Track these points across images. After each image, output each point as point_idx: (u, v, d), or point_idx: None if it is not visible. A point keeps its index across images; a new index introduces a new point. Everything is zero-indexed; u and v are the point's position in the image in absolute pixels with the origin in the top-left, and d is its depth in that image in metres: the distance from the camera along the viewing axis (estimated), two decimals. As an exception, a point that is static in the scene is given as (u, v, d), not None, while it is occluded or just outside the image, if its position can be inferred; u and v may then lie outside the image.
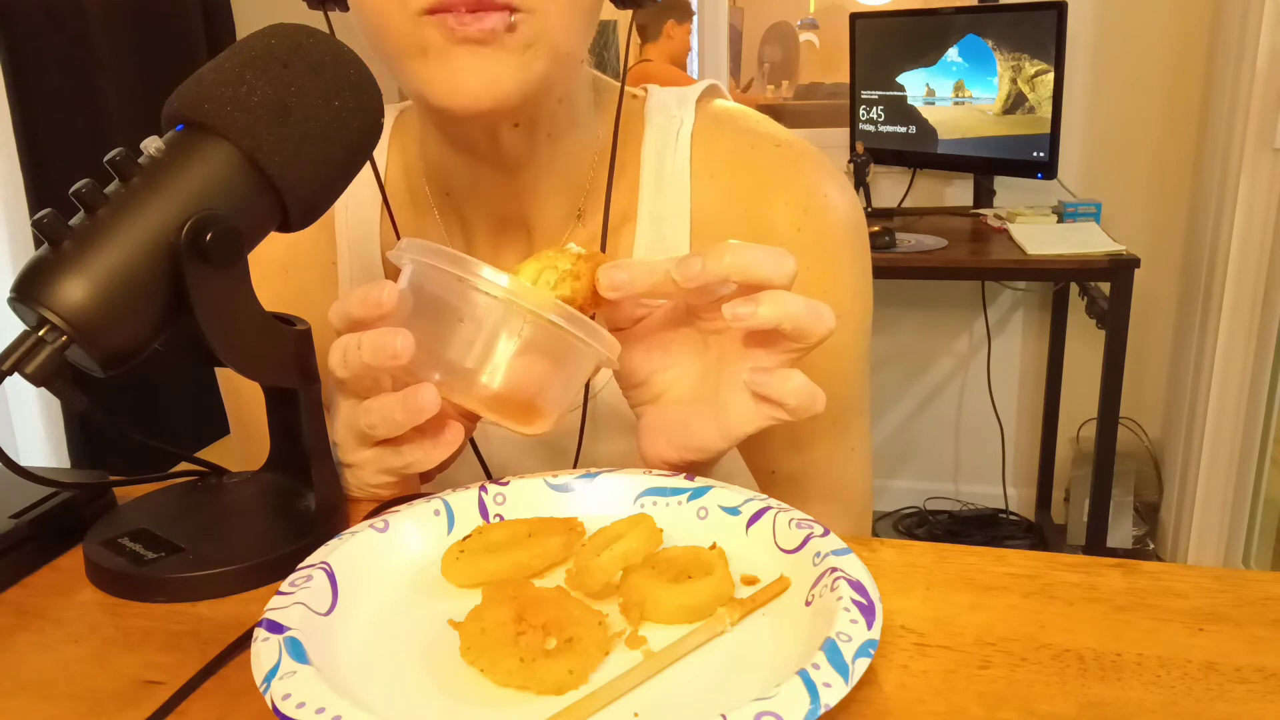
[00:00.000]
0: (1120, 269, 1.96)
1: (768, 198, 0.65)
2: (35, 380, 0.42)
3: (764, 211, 0.65)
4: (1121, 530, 2.40)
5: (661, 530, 0.45)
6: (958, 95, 2.34)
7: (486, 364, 0.47)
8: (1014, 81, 2.23)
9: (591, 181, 0.67)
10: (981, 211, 2.44)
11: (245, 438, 0.72)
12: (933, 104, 2.39)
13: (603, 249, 0.65)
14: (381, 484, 0.54)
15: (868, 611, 0.37)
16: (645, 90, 0.71)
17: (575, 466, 0.67)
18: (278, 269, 0.69)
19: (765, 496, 0.48)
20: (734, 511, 0.48)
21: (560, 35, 0.53)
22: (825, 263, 0.65)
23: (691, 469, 0.54)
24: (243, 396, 0.71)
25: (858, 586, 0.39)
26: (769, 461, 0.68)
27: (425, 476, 0.58)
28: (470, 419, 0.53)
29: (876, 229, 2.17)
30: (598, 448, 0.68)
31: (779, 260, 0.48)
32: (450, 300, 0.47)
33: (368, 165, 0.68)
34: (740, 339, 0.50)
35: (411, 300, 0.48)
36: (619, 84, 0.68)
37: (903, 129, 2.46)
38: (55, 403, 2.11)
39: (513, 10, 0.50)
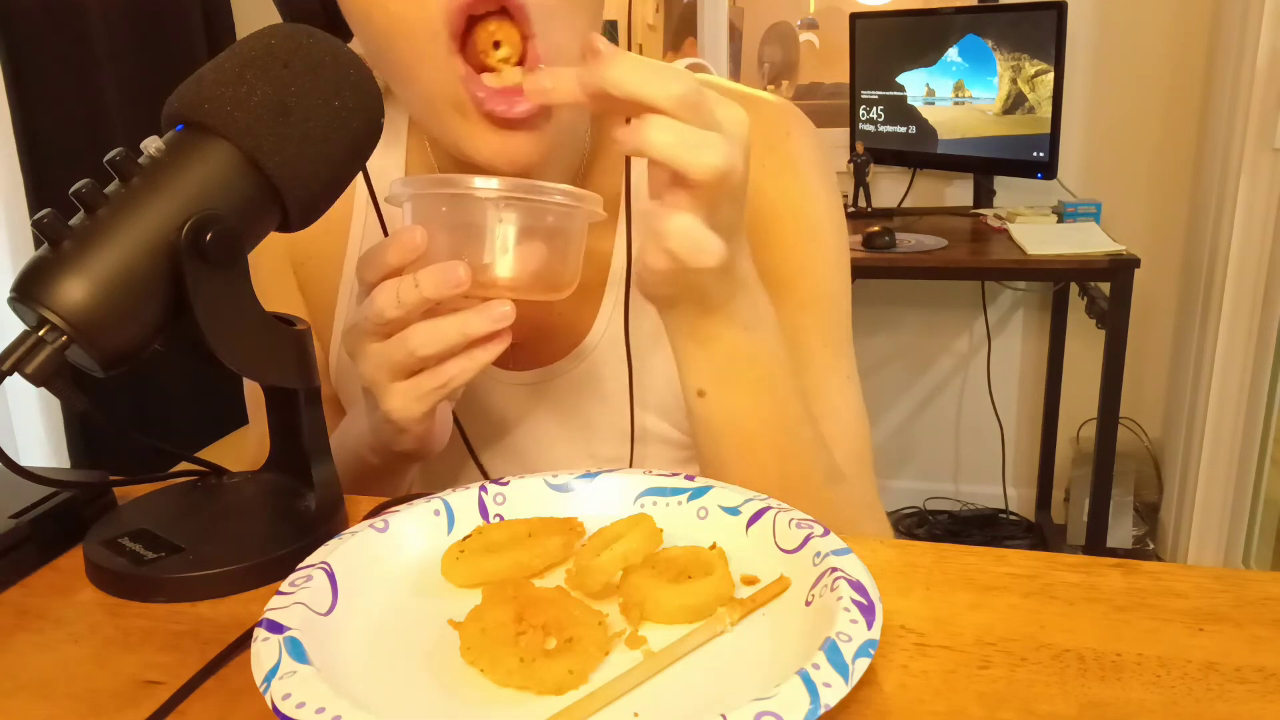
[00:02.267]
0: (1120, 269, 1.96)
1: None
2: (35, 380, 0.42)
3: None
4: (1121, 530, 2.40)
5: (661, 530, 0.45)
6: (958, 95, 2.34)
7: (502, 254, 0.52)
8: (1014, 81, 2.23)
9: (588, 164, 0.68)
10: (981, 211, 2.43)
11: (264, 422, 0.73)
12: (933, 104, 2.39)
13: (626, 200, 0.66)
14: (420, 413, 0.55)
15: (868, 611, 0.37)
16: None
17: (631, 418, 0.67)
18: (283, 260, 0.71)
19: (765, 497, 0.48)
20: (734, 511, 0.48)
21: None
22: (793, 187, 0.67)
23: (658, 302, 0.54)
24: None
25: (858, 586, 0.39)
26: None
27: (430, 448, 0.60)
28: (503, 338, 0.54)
29: (876, 229, 2.17)
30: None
31: (659, 81, 0.45)
32: (455, 216, 0.52)
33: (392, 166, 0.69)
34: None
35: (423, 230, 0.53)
36: None
37: (903, 129, 2.45)
38: (55, 403, 2.11)
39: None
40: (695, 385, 0.56)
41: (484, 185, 0.50)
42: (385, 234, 0.68)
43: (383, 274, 0.52)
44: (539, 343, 0.68)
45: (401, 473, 0.62)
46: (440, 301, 0.51)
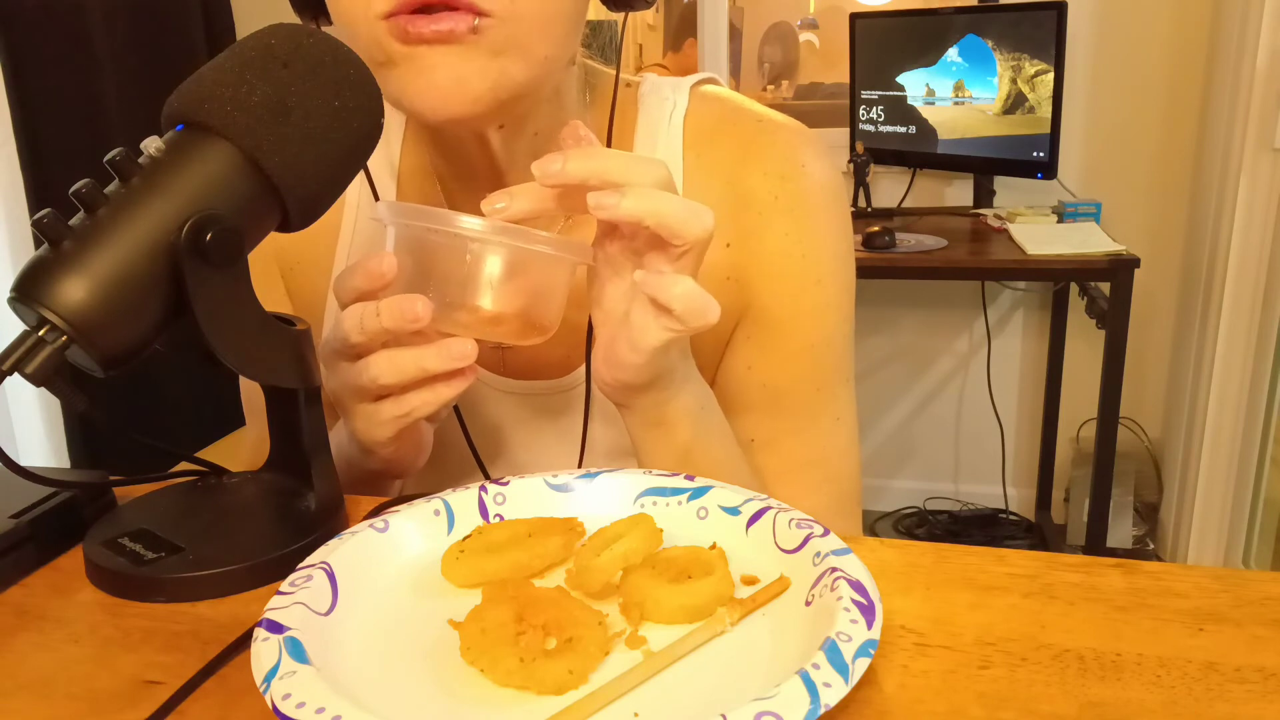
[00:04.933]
0: (1120, 269, 1.96)
1: (746, 168, 0.66)
2: (35, 380, 0.42)
3: (743, 181, 0.66)
4: (1121, 530, 2.40)
5: (661, 530, 0.45)
6: (958, 95, 2.34)
7: (478, 294, 0.51)
8: (1014, 81, 2.23)
9: None
10: (981, 211, 2.43)
11: (260, 425, 0.73)
12: (933, 104, 2.39)
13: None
14: (384, 438, 0.55)
15: (868, 611, 0.37)
16: (641, 78, 0.71)
17: (583, 446, 0.67)
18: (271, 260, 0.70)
19: (765, 496, 0.48)
20: (734, 511, 0.48)
21: (535, 40, 0.53)
22: (804, 227, 0.66)
23: (627, 390, 0.55)
24: (256, 385, 0.71)
25: (858, 586, 0.39)
26: (747, 429, 0.68)
27: (403, 470, 0.60)
28: (469, 374, 0.55)
29: (876, 229, 2.17)
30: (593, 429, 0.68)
31: (644, 166, 0.48)
32: (437, 250, 0.51)
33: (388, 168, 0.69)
34: (645, 249, 0.51)
35: (403, 257, 0.52)
36: (614, 71, 0.68)
37: (903, 129, 2.45)
38: (55, 403, 2.11)
39: (476, 14, 0.50)
40: (656, 470, 0.57)
41: (468, 224, 0.50)
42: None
43: (353, 296, 0.52)
44: (535, 355, 0.68)
45: (377, 488, 0.62)
46: (398, 333, 0.51)
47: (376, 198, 0.67)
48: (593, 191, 0.48)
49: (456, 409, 0.66)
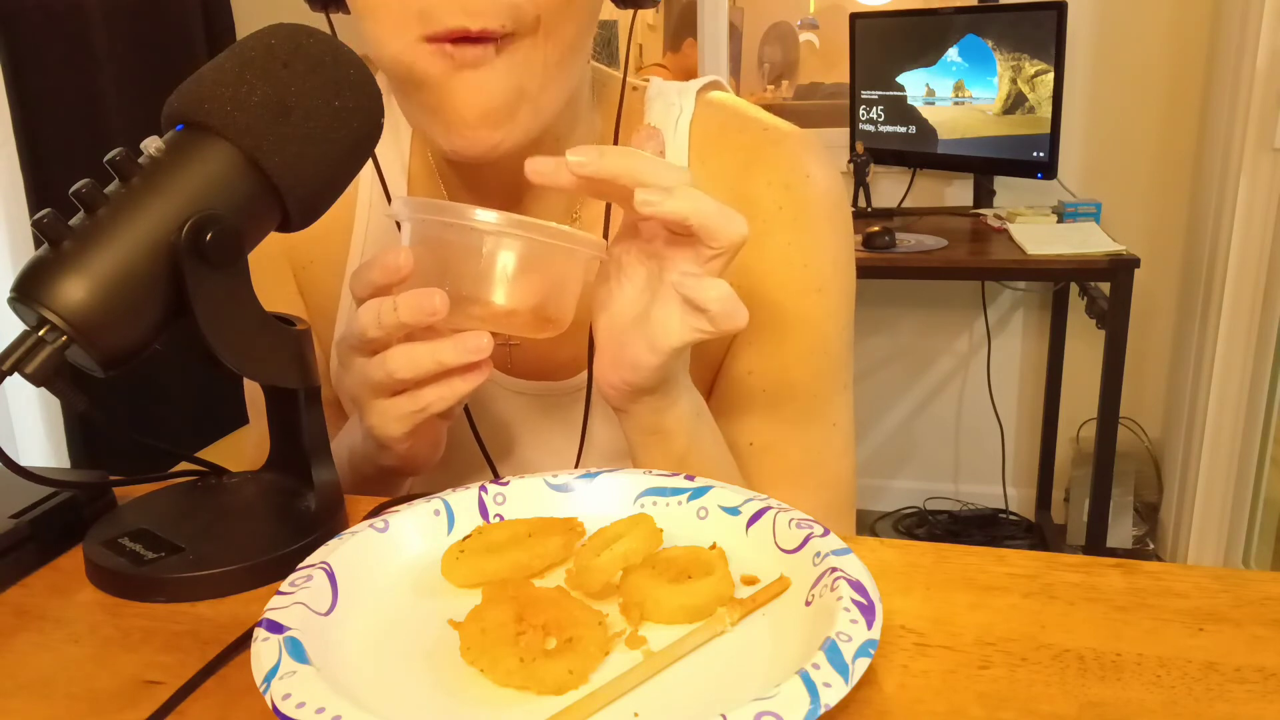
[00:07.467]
0: (1120, 269, 1.96)
1: (751, 176, 0.66)
2: (35, 380, 0.42)
3: (748, 190, 0.66)
4: (1121, 530, 2.40)
5: (661, 530, 0.45)
6: (958, 95, 2.34)
7: (493, 287, 0.52)
8: (1014, 81, 2.23)
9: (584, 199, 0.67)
10: (981, 211, 2.43)
11: (264, 423, 0.73)
12: (933, 104, 2.39)
13: (605, 237, 0.66)
14: (399, 433, 0.55)
15: (868, 611, 0.37)
16: (647, 81, 0.71)
17: (581, 445, 0.67)
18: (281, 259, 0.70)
19: (765, 497, 0.48)
20: (734, 511, 0.48)
21: (554, 50, 0.55)
22: (806, 236, 0.66)
23: (633, 394, 0.56)
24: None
25: (858, 586, 0.39)
26: (746, 433, 0.68)
27: (417, 467, 0.60)
28: (482, 370, 0.55)
29: (876, 229, 2.17)
30: (595, 427, 0.69)
31: (674, 172, 0.50)
32: (452, 244, 0.52)
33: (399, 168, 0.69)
34: (669, 251, 0.52)
35: (419, 251, 0.52)
36: (620, 75, 0.68)
37: (903, 129, 2.45)
38: (55, 403, 2.11)
39: (502, 37, 0.52)
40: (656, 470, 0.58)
41: (483, 217, 0.50)
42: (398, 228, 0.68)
43: (369, 291, 0.53)
44: (542, 355, 0.68)
45: (391, 485, 0.62)
46: (415, 327, 0.51)
47: (388, 195, 0.67)
48: (639, 189, 0.49)
49: (466, 408, 0.66)
